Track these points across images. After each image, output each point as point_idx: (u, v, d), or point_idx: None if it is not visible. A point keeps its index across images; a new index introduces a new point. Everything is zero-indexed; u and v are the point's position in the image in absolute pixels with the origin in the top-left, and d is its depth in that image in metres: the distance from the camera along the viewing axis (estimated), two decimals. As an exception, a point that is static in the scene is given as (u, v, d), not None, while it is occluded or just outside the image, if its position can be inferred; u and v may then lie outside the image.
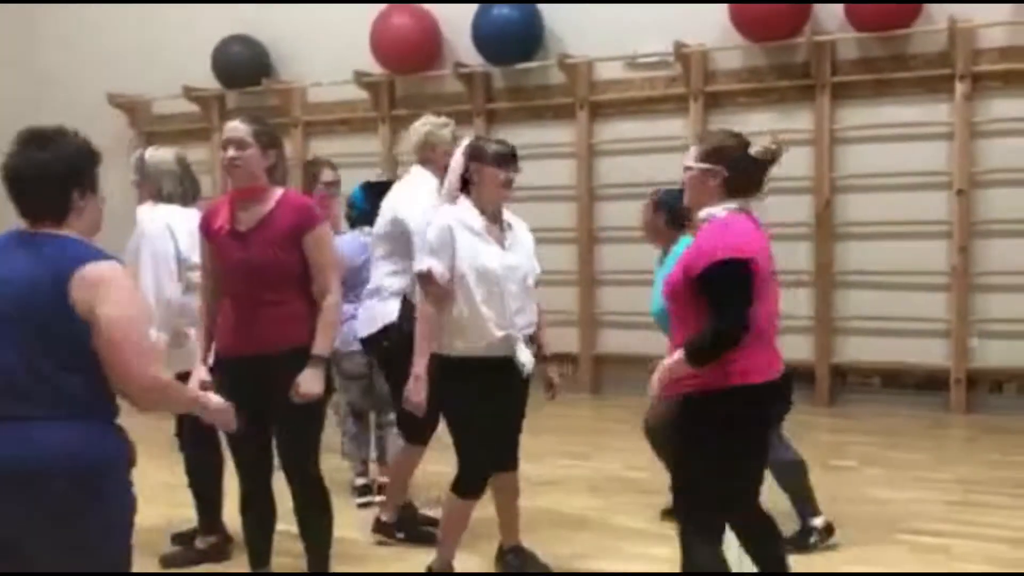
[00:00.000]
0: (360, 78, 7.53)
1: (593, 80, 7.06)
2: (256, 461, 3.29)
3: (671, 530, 4.12)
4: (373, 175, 7.30)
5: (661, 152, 6.85)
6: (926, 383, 6.36)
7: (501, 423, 3.47)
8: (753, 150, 2.73)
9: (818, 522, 3.86)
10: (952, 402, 6.22)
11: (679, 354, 2.69)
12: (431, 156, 4.02)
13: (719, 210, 2.74)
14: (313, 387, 3.08)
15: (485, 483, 3.49)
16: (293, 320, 3.13)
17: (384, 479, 4.58)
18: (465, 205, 3.40)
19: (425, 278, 3.35)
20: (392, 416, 4.58)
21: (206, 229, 3.25)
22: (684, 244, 4.18)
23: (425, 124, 4.08)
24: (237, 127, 3.14)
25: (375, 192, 4.58)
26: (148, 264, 3.71)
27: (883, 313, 6.35)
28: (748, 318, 2.64)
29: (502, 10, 6.97)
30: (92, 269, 2.21)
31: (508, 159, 3.41)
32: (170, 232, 3.73)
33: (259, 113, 3.34)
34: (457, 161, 3.46)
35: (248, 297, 3.11)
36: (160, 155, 3.95)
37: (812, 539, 3.84)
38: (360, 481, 4.60)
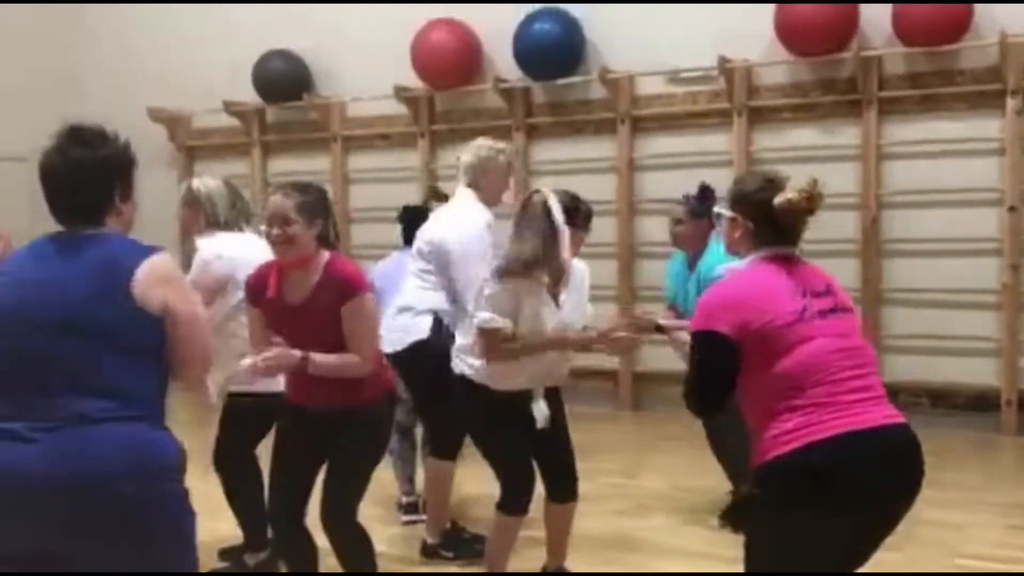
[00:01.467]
0: (400, 93, 7.53)
1: (635, 95, 7.01)
2: (293, 507, 3.23)
3: (725, 549, 4.08)
4: (411, 191, 7.35)
5: (703, 167, 6.77)
6: (976, 403, 6.23)
7: (532, 442, 3.44)
8: (776, 202, 2.44)
9: None
10: (1003, 423, 6.09)
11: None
12: (481, 181, 3.96)
13: (737, 264, 2.59)
14: (281, 360, 2.90)
15: (529, 498, 3.46)
16: (355, 379, 3.07)
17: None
18: None
19: (492, 333, 3.27)
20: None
21: (254, 296, 3.16)
22: (717, 254, 4.13)
23: (482, 147, 4.01)
24: (282, 203, 3.00)
25: (406, 215, 4.59)
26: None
27: (932, 331, 6.24)
28: (712, 392, 2.45)
29: (543, 24, 6.95)
30: (156, 263, 2.18)
31: (572, 215, 3.32)
32: (231, 260, 3.68)
33: (304, 180, 3.23)
34: (559, 218, 3.35)
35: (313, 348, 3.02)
36: (209, 183, 3.91)
37: None
38: (406, 499, 4.56)
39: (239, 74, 7.99)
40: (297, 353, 2.91)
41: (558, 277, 3.35)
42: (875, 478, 2.34)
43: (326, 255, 3.09)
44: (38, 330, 2.12)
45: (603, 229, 7.03)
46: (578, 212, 3.37)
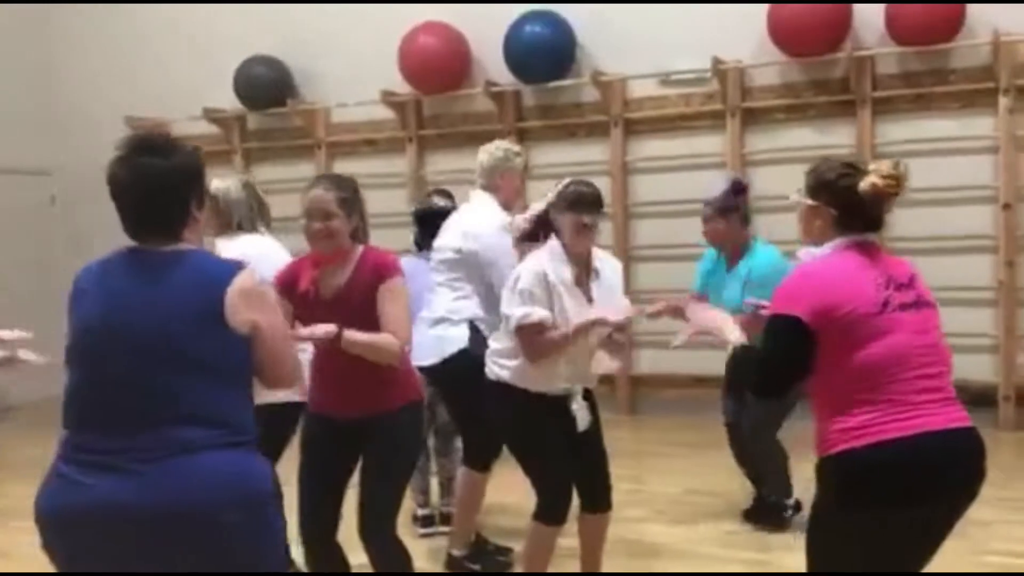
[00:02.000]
0: (387, 97, 7.43)
1: (627, 97, 6.98)
2: (325, 524, 3.14)
3: (748, 552, 4.07)
4: (399, 196, 7.26)
5: (697, 169, 6.78)
6: (974, 399, 6.21)
7: (569, 450, 3.36)
8: (862, 187, 2.40)
9: (791, 500, 4.31)
10: (1001, 419, 6.14)
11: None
12: (498, 182, 3.94)
13: (820, 250, 2.49)
14: (319, 332, 2.80)
15: (567, 508, 3.38)
16: (383, 385, 3.00)
17: (448, 509, 4.46)
18: (556, 251, 3.26)
19: (534, 328, 3.18)
20: (456, 443, 4.47)
21: (286, 290, 3.06)
22: (766, 254, 4.22)
23: (499, 149, 3.99)
24: (324, 197, 2.96)
25: (420, 216, 4.49)
26: None
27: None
28: (784, 377, 2.41)
29: (534, 28, 6.89)
30: (244, 281, 2.13)
31: (585, 201, 3.24)
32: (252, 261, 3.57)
33: (340, 175, 3.17)
34: (536, 206, 3.34)
35: (338, 360, 2.92)
36: (227, 184, 3.78)
37: (786, 513, 4.29)
38: (422, 512, 4.47)
39: (220, 80, 7.83)
40: (332, 327, 2.81)
41: (582, 267, 3.27)
42: (939, 480, 2.33)
43: (360, 248, 3.05)
44: (136, 357, 2.05)
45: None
46: (560, 196, 3.26)
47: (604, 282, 3.33)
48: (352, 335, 2.84)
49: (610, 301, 3.32)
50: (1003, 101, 6.03)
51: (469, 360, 3.72)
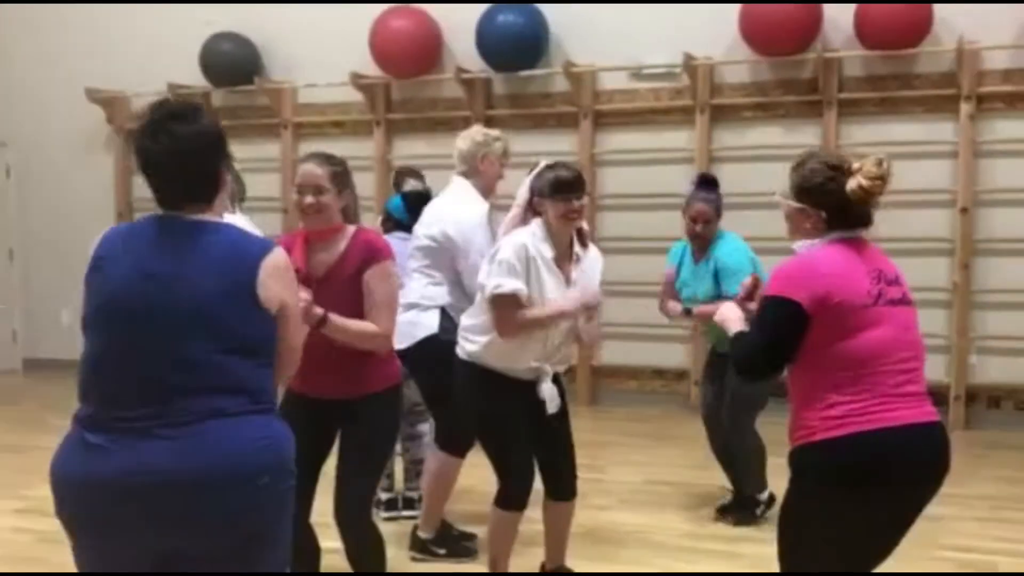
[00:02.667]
0: (356, 80, 7.37)
1: (597, 89, 7.01)
2: (301, 504, 3.07)
3: (711, 544, 4.14)
4: (366, 179, 7.21)
5: (665, 164, 6.86)
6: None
7: (533, 436, 3.38)
8: (850, 189, 2.41)
9: (764, 495, 4.35)
10: (951, 418, 6.29)
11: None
12: (478, 167, 3.91)
13: (812, 243, 2.50)
14: (306, 297, 2.73)
15: (528, 494, 3.40)
16: (364, 367, 2.99)
17: (412, 493, 4.46)
18: (538, 231, 3.26)
19: (508, 298, 3.19)
20: (421, 427, 4.47)
21: None
22: (730, 243, 4.28)
23: (479, 134, 3.98)
24: (315, 171, 2.95)
25: (413, 202, 4.47)
26: None
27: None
28: (775, 359, 2.45)
29: (507, 16, 6.88)
30: (275, 261, 2.13)
31: (570, 186, 3.25)
32: None
33: (328, 152, 3.13)
34: (523, 193, 3.34)
35: (320, 341, 2.88)
36: None
37: (758, 510, 4.34)
38: (386, 496, 4.46)
39: (186, 56, 7.71)
40: (319, 310, 2.80)
41: (563, 250, 3.29)
42: (914, 472, 2.41)
43: (352, 228, 3.04)
44: (168, 327, 2.04)
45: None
46: (543, 183, 3.25)
47: (585, 268, 3.35)
48: (337, 321, 2.84)
49: (588, 289, 3.33)
50: (964, 108, 6.16)
51: (439, 345, 3.72)
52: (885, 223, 6.19)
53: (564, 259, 3.29)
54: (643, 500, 4.80)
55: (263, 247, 2.15)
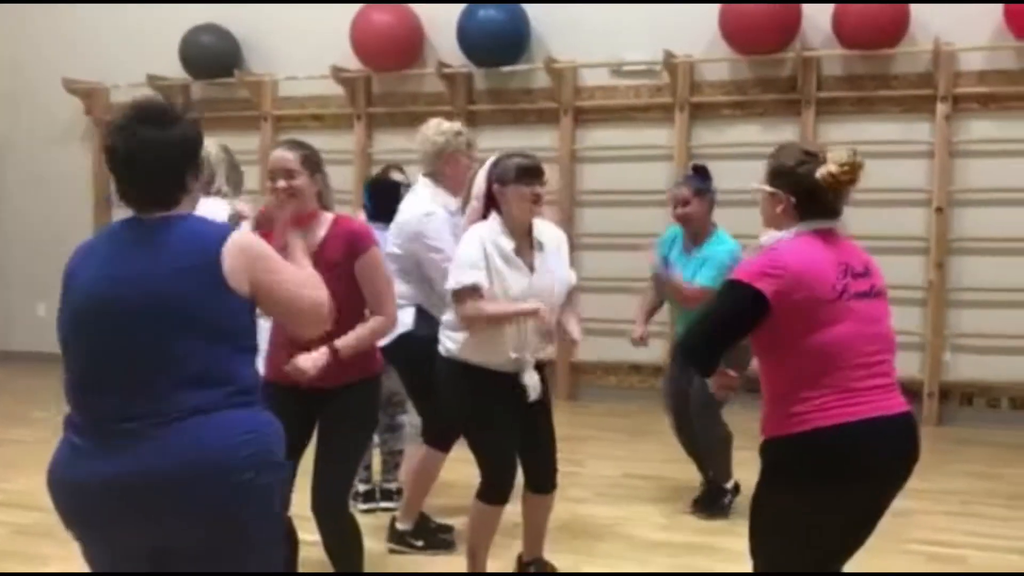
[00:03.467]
0: (337, 73, 7.36)
1: (578, 85, 7.04)
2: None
3: (683, 536, 4.18)
4: (346, 172, 7.20)
5: (644, 161, 6.90)
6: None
7: (517, 430, 3.40)
8: (819, 175, 2.42)
9: (730, 484, 4.42)
10: (924, 414, 6.37)
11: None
12: (444, 169, 3.83)
13: (783, 233, 2.50)
14: (308, 367, 2.83)
15: (510, 488, 3.41)
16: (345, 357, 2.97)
17: (389, 484, 4.47)
18: (495, 224, 3.26)
19: (468, 292, 3.20)
20: (400, 419, 4.48)
21: None
22: (727, 240, 4.33)
23: (441, 134, 3.85)
24: (285, 156, 2.98)
25: (379, 190, 4.49)
26: None
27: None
28: (715, 342, 2.48)
29: (488, 11, 6.90)
30: (238, 240, 2.12)
31: (532, 173, 3.26)
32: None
33: (299, 139, 3.17)
34: (480, 184, 3.31)
35: None
36: (210, 145, 3.70)
37: (726, 499, 4.41)
38: (363, 487, 4.47)
39: (165, 47, 7.68)
40: (324, 351, 2.85)
41: (523, 239, 3.26)
42: (883, 463, 2.45)
43: (330, 215, 3.06)
44: (138, 325, 2.03)
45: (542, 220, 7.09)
46: (506, 170, 3.24)
47: (547, 253, 3.32)
48: (348, 342, 2.91)
49: (554, 272, 3.32)
50: (940, 108, 6.24)
51: (414, 342, 3.73)
52: (861, 221, 6.39)
53: (525, 249, 3.29)
54: (620, 494, 4.83)
55: (223, 231, 2.15)
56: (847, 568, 2.61)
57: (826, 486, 2.39)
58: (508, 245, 3.24)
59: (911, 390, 6.42)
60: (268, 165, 3.01)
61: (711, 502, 4.44)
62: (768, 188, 2.52)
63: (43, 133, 8.38)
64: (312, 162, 3.01)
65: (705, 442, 4.43)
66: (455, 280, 3.23)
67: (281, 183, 2.95)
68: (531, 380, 3.31)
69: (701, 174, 4.44)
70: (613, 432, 6.27)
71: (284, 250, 2.54)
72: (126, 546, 2.06)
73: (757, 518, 2.55)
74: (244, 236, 2.18)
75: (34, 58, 8.25)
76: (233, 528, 2.05)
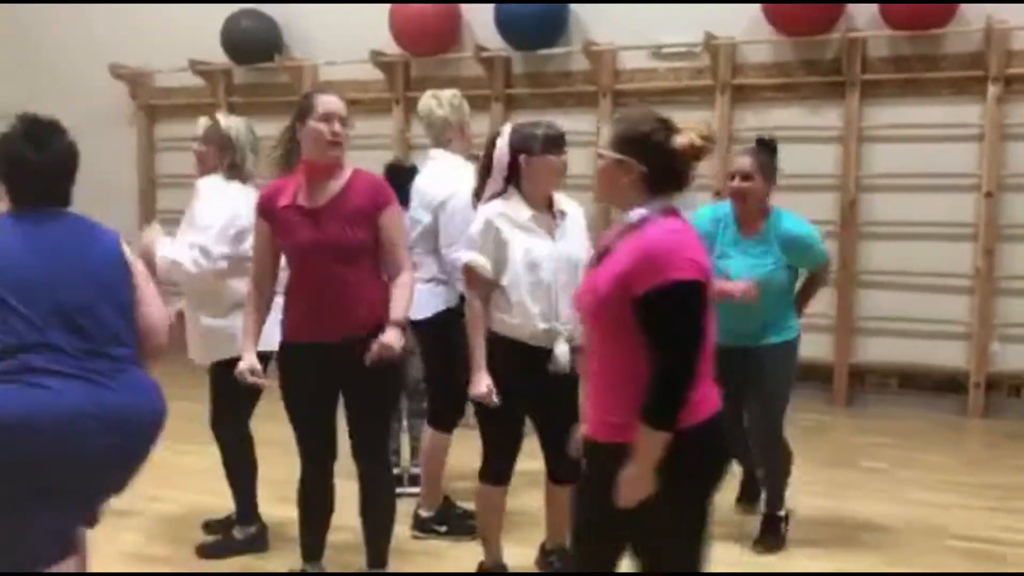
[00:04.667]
0: (375, 57, 7.35)
1: (617, 68, 6.94)
2: (322, 448, 3.18)
3: (727, 528, 4.08)
4: (385, 157, 7.19)
5: (684, 144, 6.76)
6: (943, 386, 6.33)
7: (531, 411, 3.37)
8: (676, 142, 2.23)
9: (783, 512, 3.94)
10: (970, 406, 6.20)
11: (641, 433, 2.11)
12: (453, 136, 3.88)
13: (651, 211, 2.24)
14: (394, 342, 2.95)
15: (509, 469, 3.39)
16: (367, 304, 3.03)
17: (417, 470, 4.47)
18: (511, 197, 3.23)
19: (467, 271, 3.22)
20: (425, 405, 4.47)
21: (268, 209, 3.13)
22: (793, 217, 3.80)
23: (440, 107, 3.88)
24: (339, 102, 3.07)
25: (396, 175, 4.47)
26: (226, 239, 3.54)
27: (904, 314, 6.31)
28: (698, 355, 2.17)
29: (527, -6, 6.81)
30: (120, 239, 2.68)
31: (559, 142, 3.23)
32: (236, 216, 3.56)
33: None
34: (503, 153, 3.26)
35: (319, 278, 2.99)
36: (237, 124, 3.72)
37: (783, 528, 3.93)
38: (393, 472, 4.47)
39: (207, 33, 7.72)
40: (394, 328, 2.99)
41: (543, 208, 3.22)
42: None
43: (350, 167, 3.13)
44: (74, 297, 2.48)
45: (581, 203, 7.00)
46: (533, 139, 3.19)
47: (568, 224, 3.29)
48: (400, 315, 3.03)
49: (574, 241, 3.28)
50: (992, 90, 6.02)
51: (453, 319, 3.70)
52: (907, 207, 6.25)
53: (545, 218, 3.24)
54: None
55: (113, 232, 2.68)
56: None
57: (719, 476, 2.31)
58: (525, 214, 3.20)
59: (955, 381, 6.27)
60: (322, 107, 3.02)
61: (772, 535, 3.91)
62: (616, 155, 2.25)
63: (90, 117, 8.47)
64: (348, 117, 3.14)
65: (775, 465, 3.94)
66: (458, 258, 3.30)
67: (337, 127, 3.01)
68: (560, 349, 3.24)
69: (763, 145, 3.84)
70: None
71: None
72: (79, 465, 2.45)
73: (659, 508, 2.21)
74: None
75: (82, 44, 8.35)
76: (140, 459, 2.61)
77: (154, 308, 2.64)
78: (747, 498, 4.27)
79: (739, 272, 3.67)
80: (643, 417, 2.11)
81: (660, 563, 2.30)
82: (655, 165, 2.23)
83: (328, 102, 3.05)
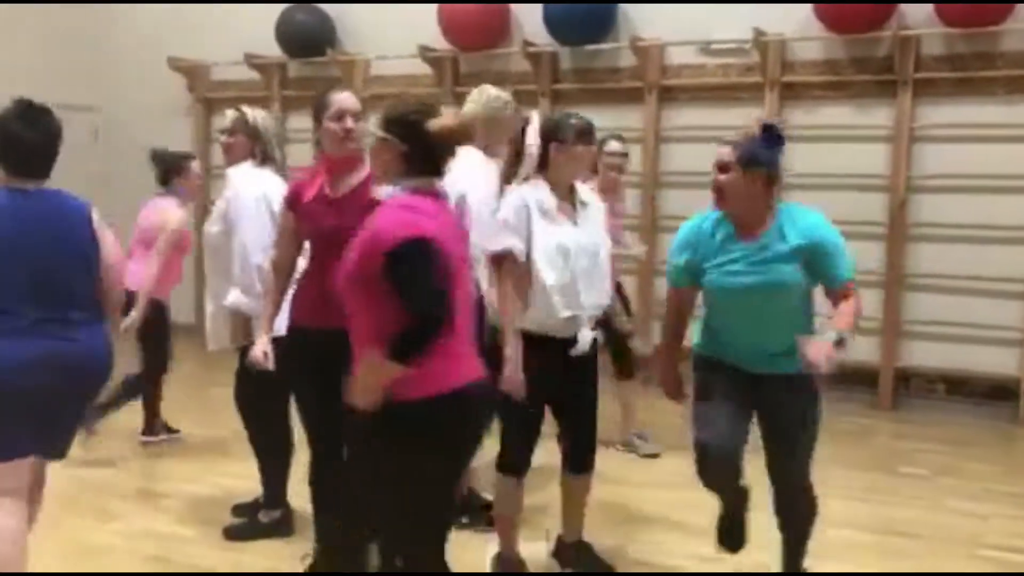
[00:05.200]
0: (424, 53, 7.41)
1: (665, 64, 6.89)
2: (333, 434, 3.20)
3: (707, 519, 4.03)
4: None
5: (731, 142, 6.69)
6: (993, 392, 6.17)
7: (552, 401, 3.38)
8: (432, 125, 2.44)
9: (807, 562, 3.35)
10: (1021, 414, 6.03)
11: (377, 355, 2.36)
12: (490, 136, 3.69)
13: (398, 189, 2.50)
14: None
15: (525, 461, 3.40)
16: None
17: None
18: (538, 184, 3.29)
19: (504, 257, 3.24)
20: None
21: (295, 199, 3.25)
22: (810, 213, 3.03)
23: (473, 101, 3.80)
24: (351, 99, 3.18)
25: None
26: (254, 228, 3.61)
27: (954, 318, 6.16)
28: (447, 300, 2.38)
29: (575, -11, 6.81)
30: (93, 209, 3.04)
31: (591, 133, 3.31)
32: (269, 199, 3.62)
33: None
34: (534, 141, 3.34)
35: (337, 264, 3.00)
36: (263, 115, 3.85)
37: None
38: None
39: (262, 27, 7.87)
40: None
41: (566, 197, 3.30)
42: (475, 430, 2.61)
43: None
44: (49, 260, 2.86)
45: (626, 201, 6.97)
46: (566, 129, 3.25)
47: (589, 213, 3.36)
48: None
49: (594, 229, 3.35)
50: (1050, 89, 5.86)
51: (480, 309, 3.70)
52: (957, 207, 6.09)
53: (567, 206, 3.31)
54: (679, 481, 4.72)
55: (85, 202, 3.03)
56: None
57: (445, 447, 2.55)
58: (550, 201, 3.27)
59: (1005, 388, 6.10)
60: (335, 106, 3.15)
61: None
62: (379, 133, 2.49)
63: (149, 108, 8.71)
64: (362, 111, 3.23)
65: (807, 512, 3.27)
66: (491, 246, 3.25)
67: (349, 123, 3.12)
68: (583, 337, 3.28)
69: (765, 130, 2.96)
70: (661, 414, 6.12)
71: None
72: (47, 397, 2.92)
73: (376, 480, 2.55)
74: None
75: (141, 37, 8.57)
76: (90, 399, 3.27)
77: (115, 270, 3.04)
78: (728, 544, 3.40)
79: (728, 284, 3.02)
80: (387, 344, 2.35)
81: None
82: (412, 145, 2.46)
83: (339, 100, 3.17)
